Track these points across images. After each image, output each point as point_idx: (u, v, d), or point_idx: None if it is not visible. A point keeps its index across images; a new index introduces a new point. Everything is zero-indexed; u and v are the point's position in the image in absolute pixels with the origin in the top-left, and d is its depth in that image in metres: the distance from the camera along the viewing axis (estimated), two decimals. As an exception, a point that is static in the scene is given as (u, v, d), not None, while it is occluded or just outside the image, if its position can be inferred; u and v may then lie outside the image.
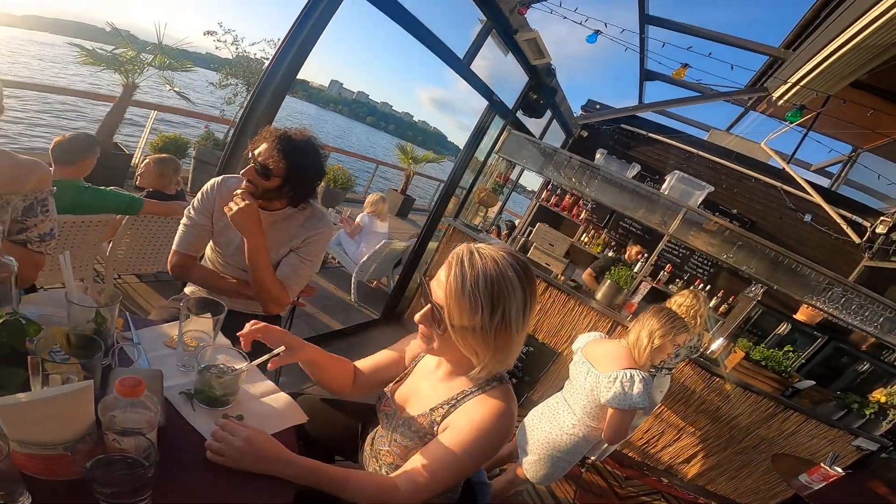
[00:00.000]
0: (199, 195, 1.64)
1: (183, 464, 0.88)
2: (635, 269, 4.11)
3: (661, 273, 5.27)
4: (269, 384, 1.23)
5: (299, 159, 1.51)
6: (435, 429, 1.04)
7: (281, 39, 2.17)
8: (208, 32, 5.79)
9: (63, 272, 0.95)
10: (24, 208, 1.25)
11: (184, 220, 1.64)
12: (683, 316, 2.70)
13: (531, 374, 3.50)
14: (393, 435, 1.12)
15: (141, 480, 0.74)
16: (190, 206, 1.63)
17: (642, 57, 4.89)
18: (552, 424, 2.03)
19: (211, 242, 1.71)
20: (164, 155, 2.79)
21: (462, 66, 3.19)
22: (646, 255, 4.66)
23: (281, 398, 1.18)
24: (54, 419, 0.73)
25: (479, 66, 3.31)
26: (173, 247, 1.63)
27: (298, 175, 1.53)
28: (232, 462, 0.89)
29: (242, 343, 1.11)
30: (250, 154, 1.53)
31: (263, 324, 1.14)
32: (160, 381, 0.99)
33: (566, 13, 3.66)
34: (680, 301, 2.78)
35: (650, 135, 5.77)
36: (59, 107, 10.76)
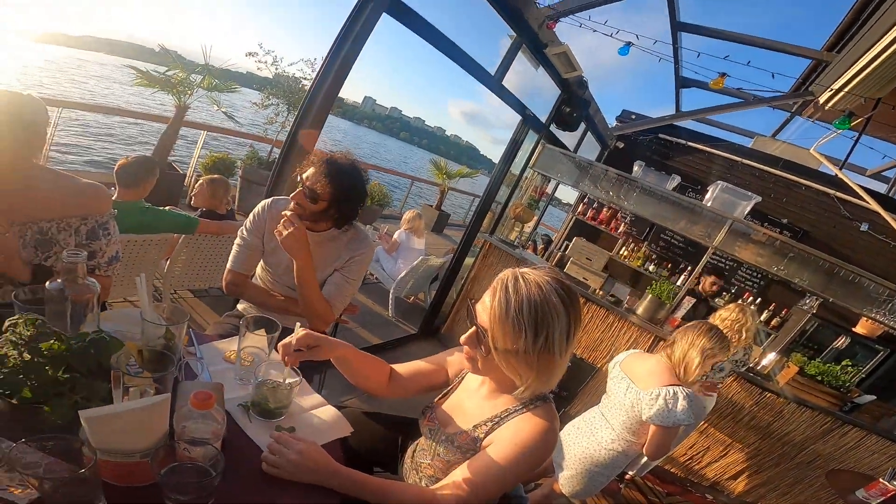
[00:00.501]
0: (250, 216, 1.73)
1: (240, 472, 0.94)
2: (677, 284, 3.99)
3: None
4: (318, 397, 1.28)
5: (344, 183, 1.58)
6: (478, 445, 1.07)
7: (320, 60, 2.27)
8: (250, 54, 6.02)
9: (139, 292, 1.03)
10: (86, 232, 1.35)
11: (237, 241, 1.73)
12: (728, 330, 2.63)
13: (569, 389, 3.45)
14: (436, 449, 1.15)
15: (208, 488, 0.79)
16: (243, 227, 1.73)
17: (677, 66, 4.81)
18: (589, 439, 2.01)
19: (262, 261, 1.79)
20: (215, 176, 2.95)
21: (494, 83, 3.23)
22: (723, 285, 4.38)
23: (328, 411, 1.24)
24: (136, 429, 0.79)
25: (510, 81, 3.35)
26: (228, 265, 1.73)
27: (343, 198, 1.60)
28: (286, 474, 0.94)
29: (286, 359, 1.11)
30: (299, 177, 1.60)
31: (297, 337, 1.12)
32: (222, 393, 1.06)
33: (595, 26, 3.64)
34: (725, 315, 2.70)
35: (690, 144, 5.63)
36: (117, 128, 11.52)
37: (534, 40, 3.31)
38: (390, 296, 4.26)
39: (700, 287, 4.16)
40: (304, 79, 6.12)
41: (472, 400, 1.18)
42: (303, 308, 1.69)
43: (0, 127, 1.12)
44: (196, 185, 2.90)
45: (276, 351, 1.14)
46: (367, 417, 1.46)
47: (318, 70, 2.26)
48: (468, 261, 4.21)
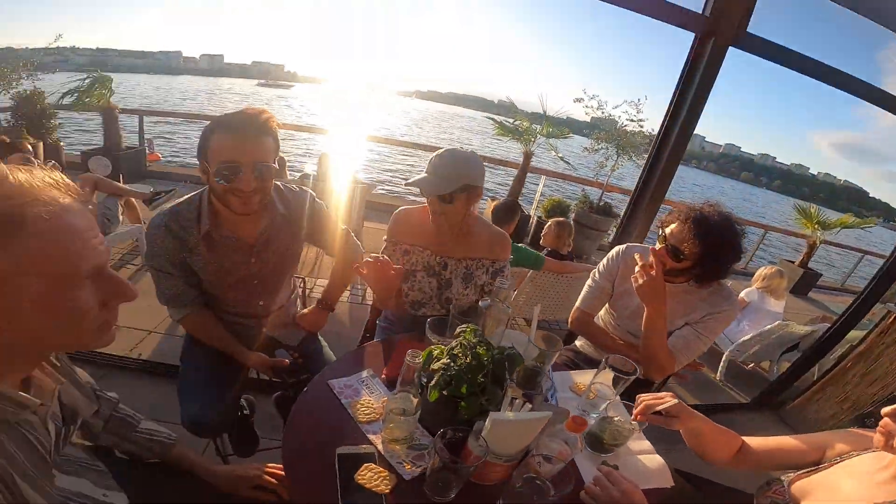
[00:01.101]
0: (604, 260, 1.84)
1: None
2: None
3: None
4: (647, 444, 1.26)
5: (714, 242, 1.47)
6: None
7: (645, 102, 2.20)
8: (577, 100, 6.30)
9: (533, 320, 1.26)
10: (493, 272, 1.70)
11: (588, 282, 1.87)
12: None
13: None
14: None
15: (546, 502, 0.86)
16: (595, 270, 1.86)
17: None
18: None
19: (607, 304, 1.88)
20: (562, 219, 3.28)
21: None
22: None
23: (655, 459, 1.21)
24: (516, 436, 0.94)
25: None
26: (577, 303, 1.88)
27: (711, 258, 1.50)
28: None
29: (639, 416, 1.16)
30: (660, 230, 1.60)
31: (666, 404, 1.15)
32: (566, 419, 1.16)
33: None
34: None
35: None
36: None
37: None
38: (724, 357, 3.72)
39: None
40: (630, 120, 6.10)
41: (855, 480, 0.98)
42: (643, 354, 1.67)
43: (456, 186, 1.46)
44: (546, 227, 3.30)
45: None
46: (678, 474, 1.35)
47: (664, 116, 2.24)
48: (853, 334, 3.25)
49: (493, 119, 6.63)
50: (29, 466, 0.65)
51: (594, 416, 1.22)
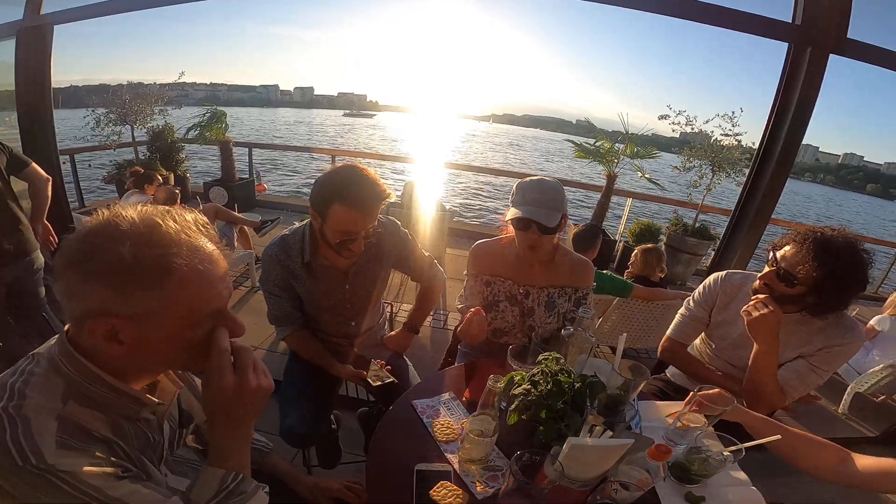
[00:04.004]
0: (700, 288, 1.73)
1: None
2: None
3: None
4: (742, 475, 1.19)
5: (836, 268, 1.30)
6: None
7: (739, 114, 2.07)
8: (662, 116, 5.87)
9: (618, 348, 1.24)
10: (575, 300, 1.68)
11: (682, 310, 1.78)
12: None
13: None
14: None
15: None
16: (689, 298, 1.76)
17: None
18: None
19: (703, 334, 1.76)
20: (649, 246, 3.14)
21: None
22: None
23: (749, 493, 1.14)
24: (595, 462, 0.95)
25: None
26: (668, 333, 1.79)
27: (831, 286, 1.33)
28: None
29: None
30: (771, 254, 1.47)
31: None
32: (649, 446, 1.10)
33: None
34: None
35: None
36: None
37: None
38: (848, 389, 3.32)
39: None
40: (725, 135, 5.64)
41: None
42: (746, 389, 1.54)
43: (559, 217, 1.46)
44: (632, 255, 3.18)
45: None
46: None
47: (764, 129, 2.09)
48: None
49: (572, 141, 6.42)
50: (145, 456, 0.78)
51: (682, 445, 1.18)
